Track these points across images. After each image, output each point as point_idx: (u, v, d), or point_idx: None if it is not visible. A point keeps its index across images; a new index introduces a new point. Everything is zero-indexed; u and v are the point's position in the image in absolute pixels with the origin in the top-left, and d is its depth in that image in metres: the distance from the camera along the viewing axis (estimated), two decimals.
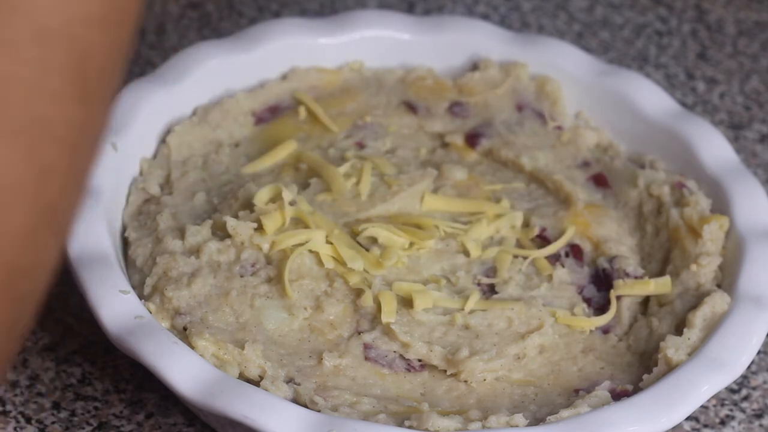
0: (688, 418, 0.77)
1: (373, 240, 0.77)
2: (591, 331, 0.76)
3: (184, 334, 0.72)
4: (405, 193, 0.79)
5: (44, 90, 0.43)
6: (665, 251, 0.80)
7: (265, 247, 0.76)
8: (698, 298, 0.75)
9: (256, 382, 0.70)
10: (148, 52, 0.99)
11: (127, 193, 0.80)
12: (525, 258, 0.78)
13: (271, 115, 0.86)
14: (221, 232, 0.77)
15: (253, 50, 0.87)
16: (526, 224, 0.81)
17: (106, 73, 0.45)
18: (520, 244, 0.80)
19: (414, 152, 0.85)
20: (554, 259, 0.79)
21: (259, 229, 0.76)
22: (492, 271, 0.78)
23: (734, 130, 0.96)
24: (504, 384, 0.73)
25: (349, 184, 0.80)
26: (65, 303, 0.80)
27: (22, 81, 0.42)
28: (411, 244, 0.77)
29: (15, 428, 0.74)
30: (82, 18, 0.44)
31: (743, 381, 0.79)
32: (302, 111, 0.86)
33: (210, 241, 0.76)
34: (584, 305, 0.77)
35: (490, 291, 0.77)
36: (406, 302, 0.75)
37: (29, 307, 0.45)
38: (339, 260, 0.76)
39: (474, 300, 0.75)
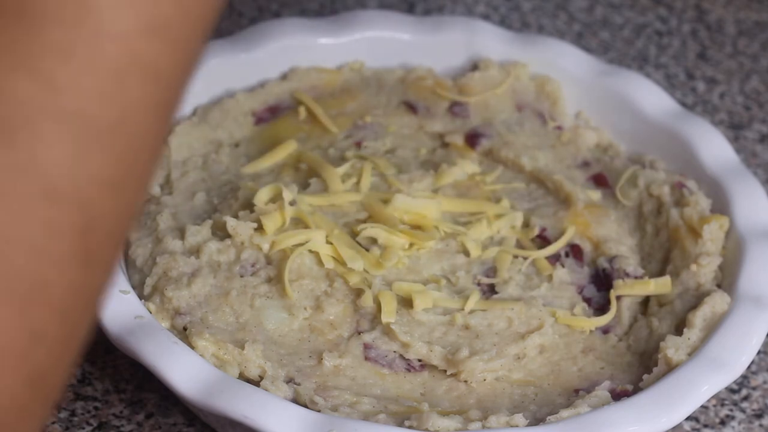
0: (688, 418, 0.77)
1: (373, 240, 0.77)
2: (591, 331, 0.76)
3: (184, 334, 0.72)
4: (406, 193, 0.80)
5: (48, 253, 0.42)
6: (665, 251, 0.80)
7: (265, 247, 0.76)
8: (698, 298, 0.75)
9: (256, 382, 0.70)
10: None
11: None
12: (525, 258, 0.78)
13: (271, 115, 0.86)
14: (221, 232, 0.77)
15: (253, 50, 0.87)
16: (526, 224, 0.81)
17: (113, 237, 0.44)
18: (520, 244, 0.79)
19: (414, 152, 0.85)
20: (554, 259, 0.79)
21: (259, 229, 0.76)
22: (492, 271, 0.78)
23: (734, 130, 0.96)
24: (504, 384, 0.73)
25: (348, 184, 0.80)
26: None
27: (26, 242, 0.41)
28: (411, 245, 0.77)
29: None
30: (95, 181, 0.42)
31: (743, 381, 0.79)
32: (302, 111, 0.86)
33: (210, 241, 0.76)
34: (584, 305, 0.77)
35: (490, 291, 0.77)
36: (406, 302, 0.75)
37: None
38: (339, 260, 0.76)
39: (474, 300, 0.75)
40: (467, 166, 0.82)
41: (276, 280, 0.75)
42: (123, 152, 0.43)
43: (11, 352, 0.41)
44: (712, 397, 0.76)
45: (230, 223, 0.76)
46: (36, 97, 0.41)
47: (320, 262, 0.76)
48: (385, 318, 0.73)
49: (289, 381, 0.71)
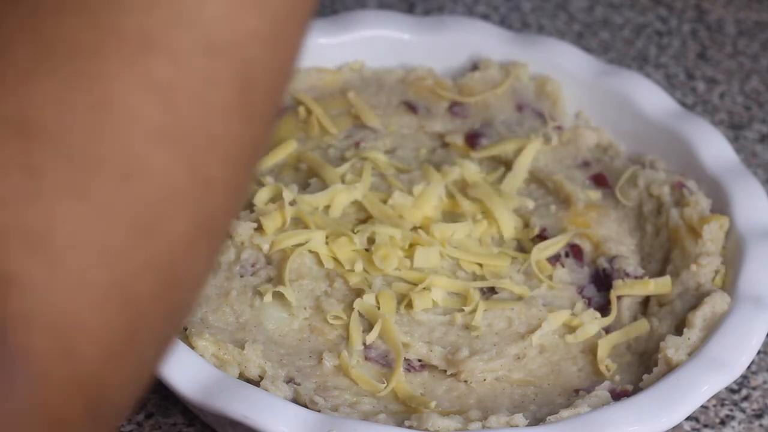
0: (688, 418, 0.76)
1: (373, 240, 0.77)
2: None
3: (184, 334, 0.72)
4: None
5: (211, 103, 0.43)
6: (665, 251, 0.80)
7: (265, 247, 0.76)
8: (698, 298, 0.75)
9: (256, 382, 0.70)
10: None
11: None
12: (525, 258, 0.78)
13: None
14: None
15: None
16: (526, 224, 0.81)
17: (271, 92, 0.45)
18: (520, 244, 0.79)
19: (414, 152, 0.85)
20: (554, 259, 0.79)
21: (259, 229, 0.76)
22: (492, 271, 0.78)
23: (734, 130, 0.96)
24: (504, 384, 0.73)
25: (348, 184, 0.80)
26: None
27: (189, 91, 0.42)
28: (411, 245, 0.77)
29: None
30: (251, 35, 0.43)
31: (743, 381, 0.79)
32: (302, 111, 0.86)
33: None
34: (584, 305, 0.77)
35: (490, 291, 0.77)
36: (406, 302, 0.75)
37: (183, 318, 0.45)
38: (339, 260, 0.76)
39: (474, 300, 0.75)
40: (467, 166, 0.82)
41: (276, 280, 0.75)
42: (274, 9, 0.44)
43: (184, 199, 0.42)
44: (712, 397, 0.76)
45: None
46: None
47: (320, 262, 0.76)
48: (385, 318, 0.73)
49: (289, 381, 0.71)
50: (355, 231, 0.77)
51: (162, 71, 0.42)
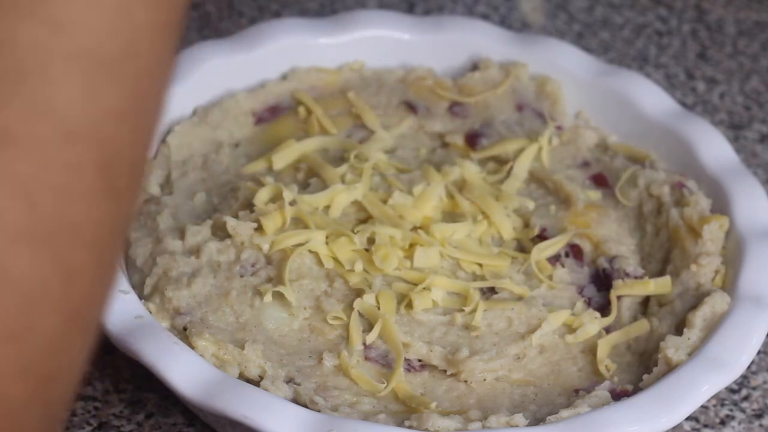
0: (688, 418, 0.76)
1: (373, 240, 0.77)
2: None
3: (184, 334, 0.72)
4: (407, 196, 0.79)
5: (73, 193, 0.42)
6: (665, 251, 0.80)
7: (265, 247, 0.76)
8: (698, 298, 0.75)
9: (256, 382, 0.70)
10: None
11: None
12: (525, 258, 0.78)
13: (271, 115, 0.86)
14: (221, 232, 0.77)
15: (253, 50, 0.87)
16: (526, 224, 0.81)
17: (132, 165, 0.44)
18: (520, 244, 0.79)
19: (414, 152, 0.85)
20: (554, 259, 0.79)
21: (259, 229, 0.76)
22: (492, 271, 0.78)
23: (734, 130, 0.96)
24: (504, 384, 0.73)
25: (348, 185, 0.79)
26: None
27: (50, 183, 0.41)
28: (411, 245, 0.77)
29: None
30: (111, 115, 0.42)
31: (743, 381, 0.79)
32: (302, 111, 0.86)
33: (210, 241, 0.76)
34: (584, 305, 0.77)
35: (490, 291, 0.77)
36: (406, 302, 0.75)
37: (60, 410, 0.44)
38: (339, 260, 0.76)
39: (474, 300, 0.75)
40: (467, 166, 0.82)
41: (276, 280, 0.75)
42: (135, 81, 0.43)
43: (51, 293, 0.41)
44: (712, 397, 0.76)
45: (230, 223, 0.76)
46: (42, 40, 0.41)
47: (320, 262, 0.76)
48: (385, 318, 0.73)
49: (289, 381, 0.71)
50: (355, 231, 0.77)
51: (22, 166, 0.41)
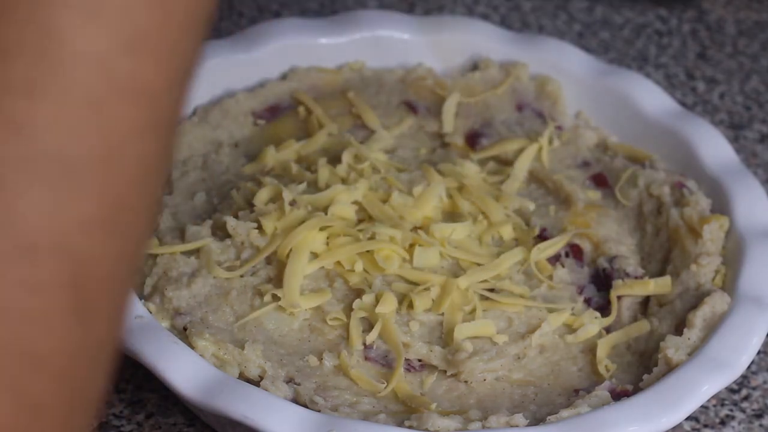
0: (688, 418, 0.76)
1: (373, 240, 0.77)
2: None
3: (184, 334, 0.72)
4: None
5: (34, 315, 0.37)
6: (665, 251, 0.80)
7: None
8: (698, 298, 0.75)
9: (256, 382, 0.70)
10: None
11: None
12: (525, 258, 0.78)
13: (271, 115, 0.86)
14: (221, 232, 0.77)
15: (253, 50, 0.87)
16: (526, 224, 0.80)
17: (113, 280, 0.39)
18: (520, 245, 0.79)
19: (414, 152, 0.85)
20: (554, 259, 0.79)
21: (259, 229, 0.76)
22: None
23: (734, 130, 0.96)
24: (504, 384, 0.73)
25: (348, 185, 0.79)
26: None
27: (7, 308, 0.36)
28: (411, 245, 0.77)
29: None
30: (79, 224, 0.37)
31: (743, 381, 0.79)
32: (302, 111, 0.86)
33: (210, 241, 0.76)
34: (584, 305, 0.77)
35: (490, 291, 0.77)
36: (407, 302, 0.75)
37: None
38: (339, 260, 0.76)
39: (474, 300, 0.75)
40: (467, 167, 0.82)
41: (276, 280, 0.74)
42: (112, 188, 0.38)
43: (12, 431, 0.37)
44: (712, 397, 0.76)
45: (230, 223, 0.76)
46: (1, 144, 0.36)
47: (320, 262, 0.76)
48: (385, 318, 0.73)
49: (289, 381, 0.71)
50: (356, 231, 0.77)
51: None
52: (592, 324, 0.75)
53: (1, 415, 0.36)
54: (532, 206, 0.81)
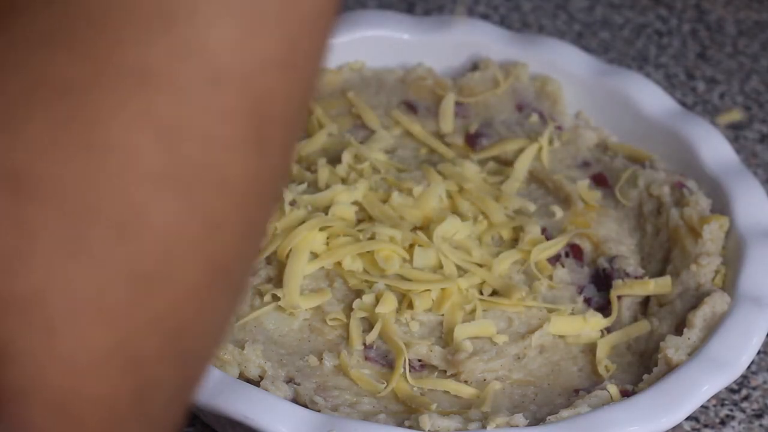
0: (688, 418, 0.76)
1: (373, 240, 0.77)
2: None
3: None
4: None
5: (221, 141, 0.39)
6: (665, 251, 0.80)
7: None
8: (698, 298, 0.75)
9: (256, 382, 0.70)
10: None
11: None
12: (525, 258, 0.78)
13: None
14: None
15: None
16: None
17: (286, 119, 0.41)
18: (519, 245, 0.79)
19: (414, 152, 0.85)
20: (554, 259, 0.79)
21: None
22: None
23: (734, 130, 0.96)
24: (504, 384, 0.73)
25: (348, 185, 0.79)
26: None
27: (194, 128, 0.39)
28: (411, 245, 0.77)
29: None
30: (265, 63, 0.40)
31: (743, 381, 0.79)
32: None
33: None
34: (584, 305, 0.77)
35: (490, 291, 0.76)
36: (407, 302, 0.75)
37: (196, 371, 0.41)
38: (339, 261, 0.76)
39: (474, 300, 0.75)
40: (467, 167, 0.82)
41: (276, 280, 0.74)
42: (291, 29, 0.40)
43: (191, 241, 0.39)
44: (712, 397, 0.76)
45: None
46: None
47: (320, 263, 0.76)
48: (385, 318, 0.73)
49: (289, 381, 0.71)
50: (356, 231, 0.77)
51: (164, 108, 0.38)
52: (595, 326, 0.75)
53: (180, 222, 0.38)
54: (532, 207, 0.81)
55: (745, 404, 0.78)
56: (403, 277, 0.76)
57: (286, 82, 0.41)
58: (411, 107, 0.87)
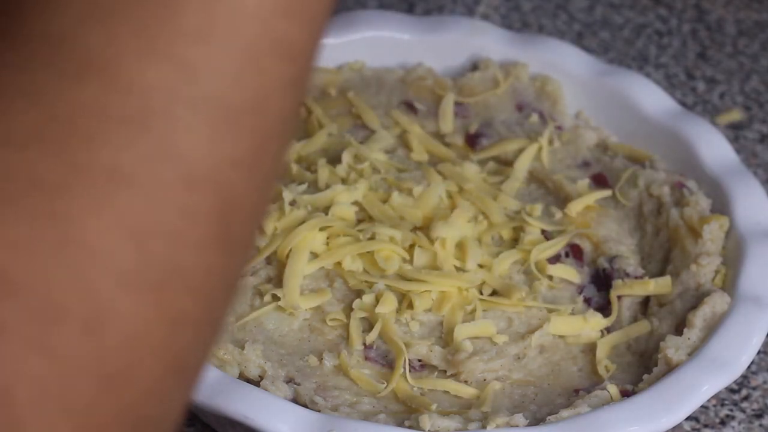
0: (688, 418, 0.76)
1: (373, 240, 0.77)
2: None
3: None
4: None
5: (186, 239, 0.40)
6: (665, 251, 0.80)
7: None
8: (698, 298, 0.75)
9: (256, 382, 0.70)
10: None
11: None
12: (525, 258, 0.78)
13: None
14: None
15: None
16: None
17: (250, 217, 0.43)
18: (519, 244, 0.79)
19: (416, 154, 0.84)
20: (554, 259, 0.79)
21: (259, 229, 0.76)
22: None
23: (734, 130, 0.96)
24: (504, 384, 0.73)
25: (348, 185, 0.79)
26: None
27: (163, 228, 0.40)
28: (411, 245, 0.77)
29: None
30: (231, 163, 0.41)
31: (743, 381, 0.79)
32: (302, 111, 0.86)
33: None
34: (585, 305, 0.77)
35: (490, 291, 0.76)
36: (406, 302, 0.75)
37: None
38: (339, 261, 0.76)
39: (474, 300, 0.75)
40: (467, 167, 0.82)
41: (276, 280, 0.74)
42: (258, 132, 0.42)
43: (153, 338, 0.40)
44: (712, 397, 0.76)
45: None
46: (170, 82, 0.40)
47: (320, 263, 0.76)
48: (385, 318, 0.73)
49: (289, 381, 0.71)
50: (355, 231, 0.77)
51: (135, 209, 0.39)
52: (595, 326, 0.75)
53: (144, 320, 0.39)
54: (538, 211, 0.81)
55: (745, 404, 0.78)
56: (403, 278, 0.76)
57: (252, 181, 0.42)
58: (411, 107, 0.87)
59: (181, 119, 0.40)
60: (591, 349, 0.75)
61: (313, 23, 0.43)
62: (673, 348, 0.72)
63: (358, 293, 0.75)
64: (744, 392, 0.79)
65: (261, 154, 0.42)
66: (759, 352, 0.80)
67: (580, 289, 0.78)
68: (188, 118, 0.40)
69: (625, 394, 0.71)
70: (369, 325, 0.74)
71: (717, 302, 0.74)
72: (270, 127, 0.42)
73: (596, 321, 0.75)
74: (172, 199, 0.40)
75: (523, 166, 0.83)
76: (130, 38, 0.40)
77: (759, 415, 0.78)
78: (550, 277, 0.77)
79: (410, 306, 0.74)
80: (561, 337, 0.75)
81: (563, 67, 0.89)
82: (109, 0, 0.40)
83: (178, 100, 0.40)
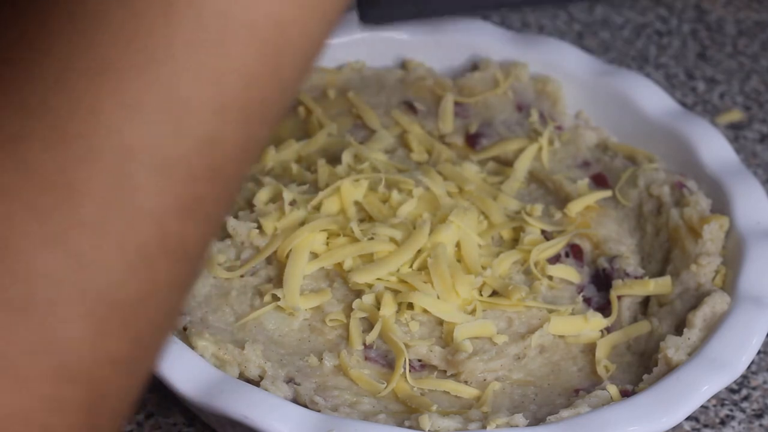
0: (688, 418, 0.77)
1: (373, 240, 0.77)
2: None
3: (183, 334, 0.72)
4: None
5: (50, 430, 0.40)
6: (665, 251, 0.80)
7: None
8: (698, 298, 0.75)
9: (256, 382, 0.70)
10: None
11: None
12: (525, 258, 0.78)
13: None
14: (221, 232, 0.77)
15: None
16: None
17: (118, 412, 0.43)
18: (519, 244, 0.79)
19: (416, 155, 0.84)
20: (554, 259, 0.79)
21: (259, 229, 0.76)
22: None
23: (734, 130, 0.96)
24: (504, 384, 0.73)
25: (348, 184, 0.79)
26: None
27: (28, 420, 0.40)
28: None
29: None
30: (109, 360, 0.41)
31: (743, 381, 0.79)
32: (302, 111, 0.86)
33: None
34: (585, 305, 0.77)
35: (490, 291, 0.76)
36: (406, 302, 0.74)
37: None
38: (339, 261, 0.76)
39: (474, 300, 0.75)
40: (467, 167, 0.82)
41: (276, 281, 0.75)
42: (141, 331, 0.42)
43: None
44: (712, 397, 0.76)
45: (230, 223, 0.76)
46: (61, 273, 0.40)
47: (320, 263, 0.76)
48: (385, 318, 0.73)
49: (289, 381, 0.71)
50: (355, 231, 0.77)
51: (7, 401, 0.39)
52: (595, 326, 0.75)
53: None
54: (538, 211, 0.81)
55: (745, 404, 0.78)
56: (403, 277, 0.76)
57: (126, 378, 0.42)
58: (411, 107, 0.87)
59: (66, 312, 0.40)
60: (591, 349, 0.75)
61: (211, 223, 0.43)
62: (673, 348, 0.72)
63: (358, 293, 0.75)
64: (744, 392, 0.79)
65: (140, 352, 0.42)
66: (759, 352, 0.80)
67: (580, 289, 0.78)
68: (73, 312, 0.40)
69: (625, 394, 0.71)
70: (369, 325, 0.74)
71: (717, 302, 0.74)
72: (154, 325, 0.42)
73: (596, 321, 0.75)
74: (41, 390, 0.40)
75: (523, 166, 0.83)
76: (28, 221, 0.40)
77: (759, 415, 0.78)
78: (550, 277, 0.77)
79: (410, 306, 0.74)
80: (561, 337, 0.75)
81: (563, 67, 0.89)
82: (9, 182, 0.40)
83: (66, 292, 0.40)
